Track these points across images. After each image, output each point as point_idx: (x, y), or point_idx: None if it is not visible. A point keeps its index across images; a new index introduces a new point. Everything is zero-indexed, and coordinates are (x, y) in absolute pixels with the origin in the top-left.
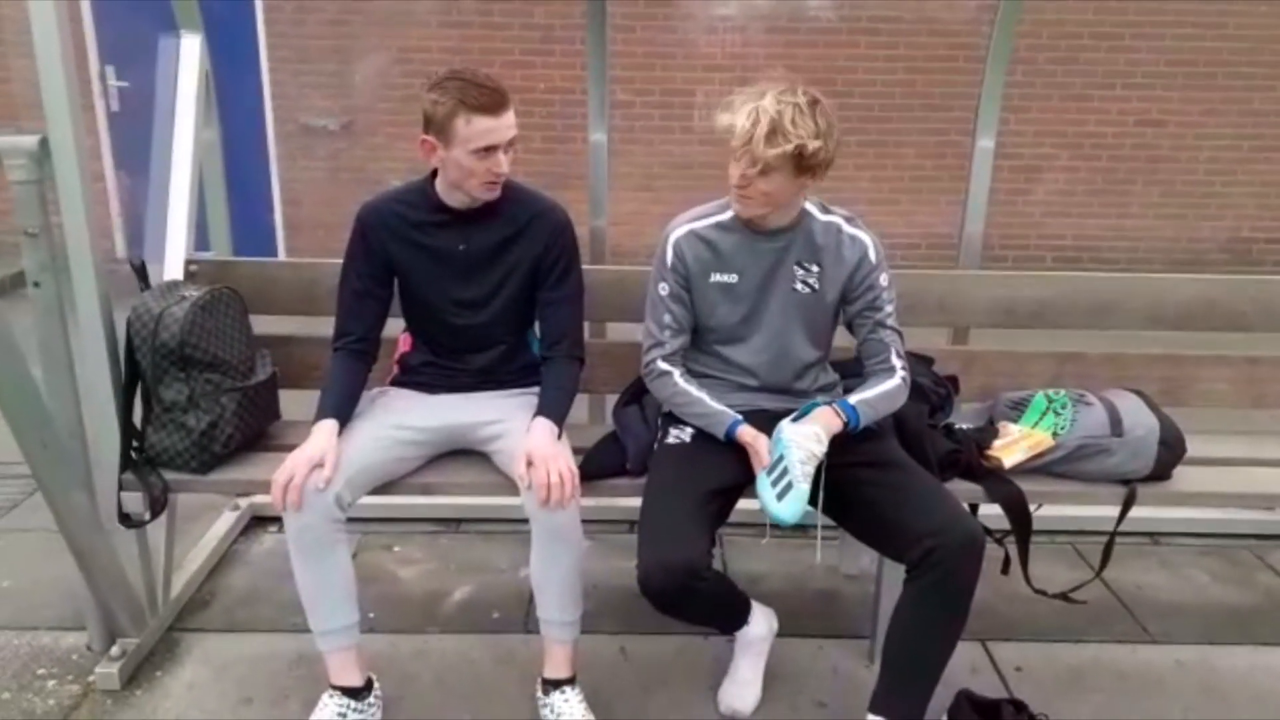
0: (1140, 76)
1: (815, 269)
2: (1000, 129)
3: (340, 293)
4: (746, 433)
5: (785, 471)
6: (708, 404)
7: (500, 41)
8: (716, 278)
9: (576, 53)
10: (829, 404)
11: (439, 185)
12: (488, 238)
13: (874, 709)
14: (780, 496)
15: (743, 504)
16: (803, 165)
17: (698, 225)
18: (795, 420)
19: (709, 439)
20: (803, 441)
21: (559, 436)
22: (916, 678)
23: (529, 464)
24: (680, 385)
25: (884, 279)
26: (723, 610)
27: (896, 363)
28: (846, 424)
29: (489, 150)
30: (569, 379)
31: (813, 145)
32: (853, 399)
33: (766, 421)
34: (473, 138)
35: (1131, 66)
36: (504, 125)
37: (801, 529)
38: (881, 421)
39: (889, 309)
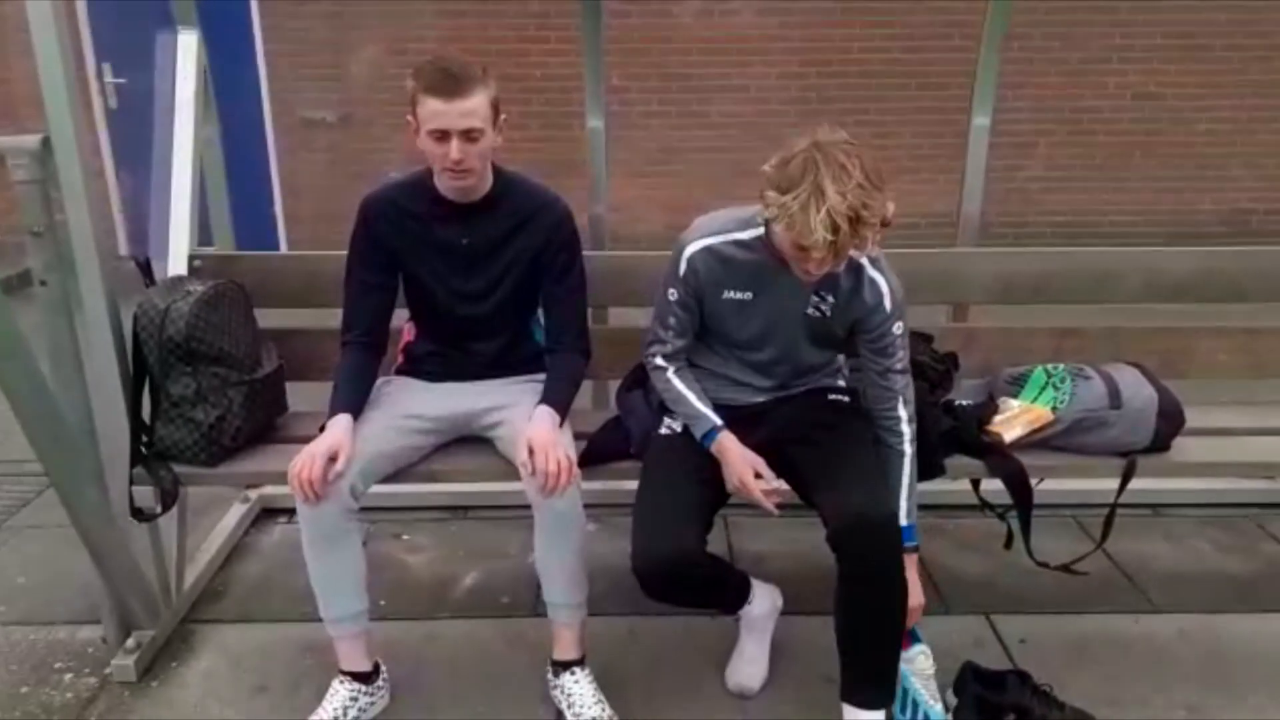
0: (1137, 50)
1: (830, 299)
2: (997, 105)
3: (346, 286)
4: (721, 445)
5: (915, 705)
6: (693, 404)
7: (496, 30)
8: (730, 294)
9: (572, 39)
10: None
11: (435, 177)
12: (489, 231)
13: (844, 697)
14: None
15: None
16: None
17: (715, 241)
18: None
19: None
20: (918, 671)
21: (560, 425)
22: (870, 662)
23: (530, 452)
24: (672, 382)
25: (898, 327)
26: (720, 593)
27: (905, 425)
28: (916, 546)
29: (441, 135)
30: (574, 371)
31: (890, 210)
32: (902, 515)
33: (763, 416)
34: (425, 119)
35: (1128, 40)
36: (454, 111)
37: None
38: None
39: (900, 354)
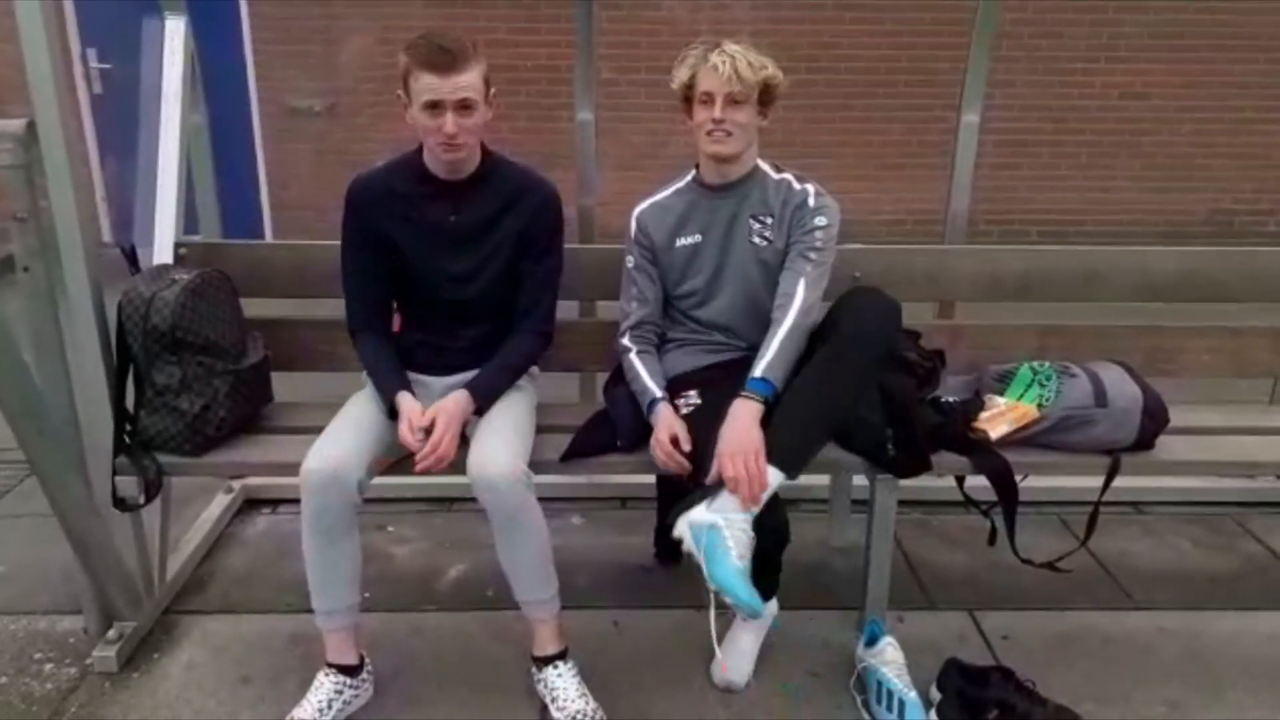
0: (1124, 50)
1: (769, 220)
2: (985, 103)
3: (344, 274)
4: (658, 414)
5: (890, 695)
6: (642, 379)
7: (485, 20)
8: (682, 240)
9: (562, 30)
10: (746, 395)
11: (425, 154)
12: (478, 210)
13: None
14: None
15: None
16: (767, 96)
17: (657, 197)
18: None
19: (714, 396)
20: (888, 661)
21: (478, 410)
22: (798, 416)
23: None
24: (633, 363)
25: (820, 219)
26: (777, 576)
27: (797, 300)
28: (765, 399)
29: (435, 108)
30: (523, 353)
31: (776, 72)
32: (758, 368)
33: (741, 371)
34: (419, 93)
35: (1115, 40)
36: (449, 85)
37: None
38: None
39: (819, 245)
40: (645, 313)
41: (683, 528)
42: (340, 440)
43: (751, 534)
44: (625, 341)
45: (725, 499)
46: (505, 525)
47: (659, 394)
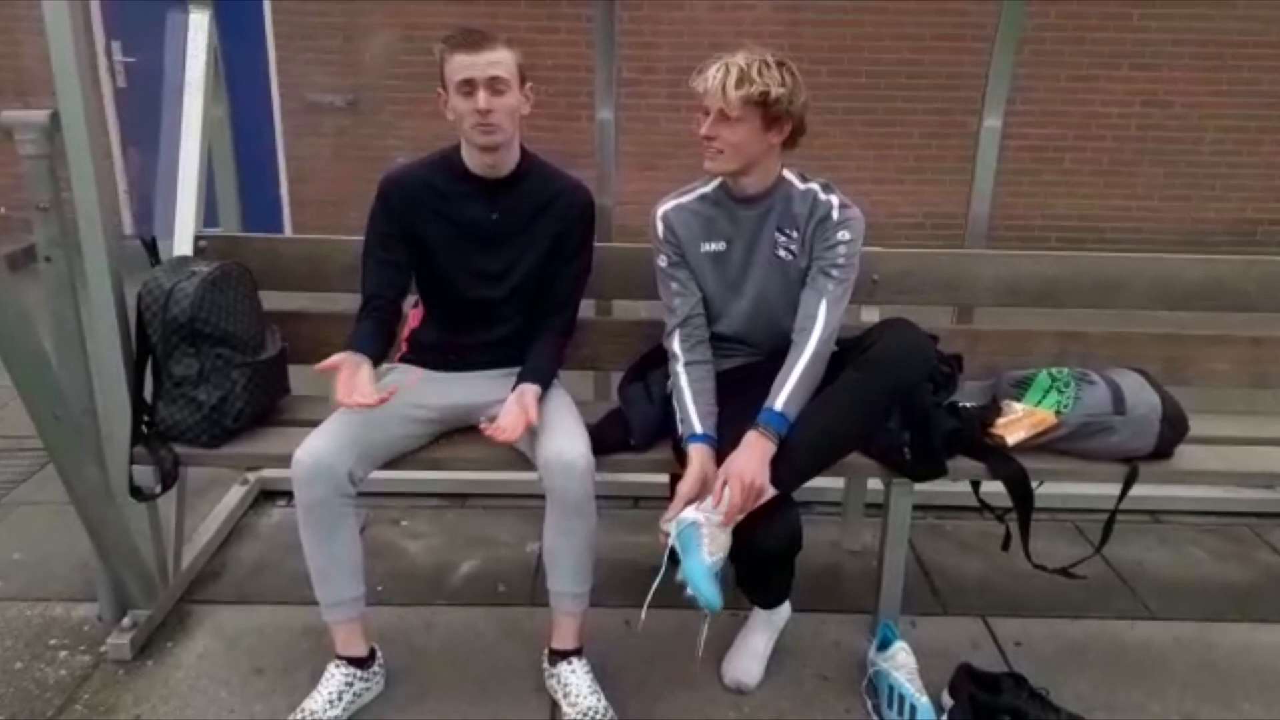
0: (1147, 56)
1: (794, 234)
2: (1006, 108)
3: (365, 265)
4: (692, 454)
5: (902, 699)
6: (686, 406)
7: (506, 18)
8: (707, 247)
9: (582, 29)
10: (762, 431)
11: (464, 151)
12: (517, 209)
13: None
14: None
15: None
16: (768, 115)
17: (683, 200)
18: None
19: (727, 412)
20: (900, 665)
21: (539, 398)
22: (808, 447)
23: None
24: (679, 376)
25: (844, 234)
26: (788, 582)
27: (819, 325)
28: (780, 435)
29: (469, 87)
30: (554, 351)
31: (776, 92)
32: (777, 399)
33: (759, 377)
34: (453, 74)
35: (1139, 46)
36: (481, 61)
37: None
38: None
39: (840, 258)
40: (691, 306)
41: (671, 527)
42: (331, 432)
43: (729, 533)
44: (675, 347)
45: (709, 502)
46: (568, 512)
47: (699, 430)
